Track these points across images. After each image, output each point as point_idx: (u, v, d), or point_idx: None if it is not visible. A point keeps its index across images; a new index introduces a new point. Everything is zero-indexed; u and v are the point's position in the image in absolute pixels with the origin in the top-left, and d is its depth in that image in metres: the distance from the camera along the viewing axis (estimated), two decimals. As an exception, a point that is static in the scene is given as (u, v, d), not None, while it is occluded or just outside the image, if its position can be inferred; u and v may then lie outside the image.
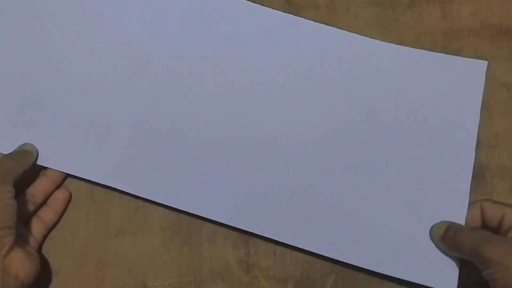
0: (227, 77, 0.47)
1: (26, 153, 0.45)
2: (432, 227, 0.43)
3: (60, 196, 0.45)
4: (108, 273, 0.44)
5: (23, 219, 0.44)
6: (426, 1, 0.50)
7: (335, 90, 0.47)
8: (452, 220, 0.43)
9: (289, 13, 0.49)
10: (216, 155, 0.45)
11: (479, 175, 0.45)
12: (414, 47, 0.48)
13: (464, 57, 0.48)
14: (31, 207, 0.44)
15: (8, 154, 0.45)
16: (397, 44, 0.48)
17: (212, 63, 0.48)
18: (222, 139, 0.46)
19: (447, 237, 0.41)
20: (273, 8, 0.49)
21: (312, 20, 0.49)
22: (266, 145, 0.46)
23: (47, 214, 0.45)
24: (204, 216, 0.44)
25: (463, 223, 0.43)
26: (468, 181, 0.44)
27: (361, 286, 0.43)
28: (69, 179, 0.46)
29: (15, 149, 0.45)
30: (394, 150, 0.45)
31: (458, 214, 0.43)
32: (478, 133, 0.46)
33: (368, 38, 0.48)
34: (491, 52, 0.48)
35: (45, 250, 0.44)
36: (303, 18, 0.49)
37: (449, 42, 0.49)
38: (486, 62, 0.47)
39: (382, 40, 0.48)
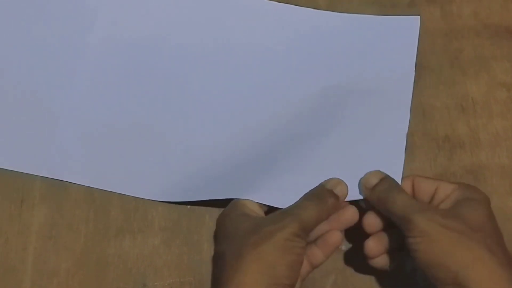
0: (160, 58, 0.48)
1: (328, 196, 0.39)
2: (365, 175, 0.40)
3: (331, 240, 0.40)
4: (108, 273, 0.44)
5: None
6: (426, 1, 0.50)
7: (276, 59, 0.48)
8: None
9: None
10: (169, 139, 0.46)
11: (479, 175, 0.45)
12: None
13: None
14: None
15: (309, 194, 0.39)
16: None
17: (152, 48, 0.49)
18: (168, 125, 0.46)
19: (379, 190, 0.39)
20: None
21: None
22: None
23: (315, 255, 0.40)
24: (160, 200, 0.45)
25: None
26: (403, 141, 0.43)
27: (361, 286, 0.43)
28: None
29: (316, 189, 0.40)
30: (336, 113, 0.45)
31: (394, 173, 0.41)
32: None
33: (303, 7, 0.49)
34: (491, 52, 0.48)
35: (45, 250, 0.44)
36: None
37: (449, 42, 0.49)
38: (419, 16, 0.48)
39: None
